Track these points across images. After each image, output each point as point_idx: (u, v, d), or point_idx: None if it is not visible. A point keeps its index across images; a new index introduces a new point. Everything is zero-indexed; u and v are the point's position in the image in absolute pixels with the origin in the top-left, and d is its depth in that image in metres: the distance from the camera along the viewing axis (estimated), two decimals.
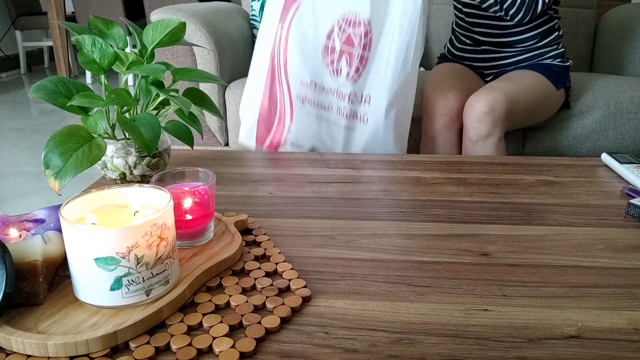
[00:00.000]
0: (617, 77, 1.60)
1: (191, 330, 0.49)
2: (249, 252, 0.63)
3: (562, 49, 1.42)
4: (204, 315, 0.51)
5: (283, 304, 0.52)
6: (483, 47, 1.46)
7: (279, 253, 0.63)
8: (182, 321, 0.50)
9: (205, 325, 0.50)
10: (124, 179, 0.81)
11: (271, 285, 0.56)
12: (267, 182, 0.86)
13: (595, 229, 0.70)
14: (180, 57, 1.57)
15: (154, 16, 1.52)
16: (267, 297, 0.54)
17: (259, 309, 0.52)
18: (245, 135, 1.28)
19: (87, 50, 0.73)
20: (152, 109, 0.81)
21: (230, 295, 0.54)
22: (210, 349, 0.47)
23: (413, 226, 0.71)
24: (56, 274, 0.53)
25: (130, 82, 3.53)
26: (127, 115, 0.80)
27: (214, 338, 0.48)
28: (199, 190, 0.62)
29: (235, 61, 1.68)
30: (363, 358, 0.46)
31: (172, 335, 0.48)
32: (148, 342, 0.47)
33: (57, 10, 3.69)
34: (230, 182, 0.87)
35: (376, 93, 1.17)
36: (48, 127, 2.77)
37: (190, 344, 0.47)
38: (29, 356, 0.46)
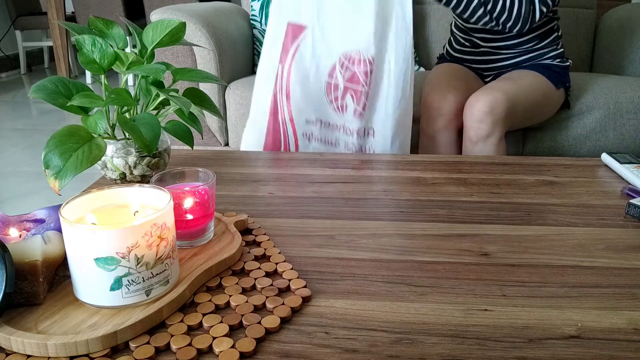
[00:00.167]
0: (617, 77, 1.60)
1: (191, 330, 0.49)
2: (249, 252, 0.63)
3: (562, 49, 1.42)
4: (204, 315, 0.51)
5: (283, 304, 0.52)
6: (482, 50, 1.46)
7: (279, 253, 0.63)
8: (182, 321, 0.50)
9: (205, 325, 0.50)
10: (124, 179, 0.81)
11: (271, 285, 0.56)
12: (267, 182, 0.86)
13: (595, 229, 0.70)
14: (180, 57, 1.57)
15: (154, 16, 1.52)
16: (267, 297, 0.53)
17: (259, 309, 0.52)
18: None
19: (87, 50, 0.73)
20: (152, 109, 0.81)
21: (230, 295, 0.54)
22: (210, 349, 0.47)
23: (413, 226, 0.71)
24: (56, 274, 0.53)
25: (130, 82, 3.53)
26: (127, 115, 0.80)
27: (214, 338, 0.48)
28: (199, 190, 0.62)
29: (235, 61, 1.68)
30: (363, 358, 0.46)
31: (172, 335, 0.48)
32: (148, 342, 0.47)
33: (57, 10, 3.69)
34: (230, 182, 0.87)
35: (379, 126, 1.20)
36: (48, 127, 2.78)
37: (190, 344, 0.47)
38: (29, 356, 0.46)
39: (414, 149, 1.43)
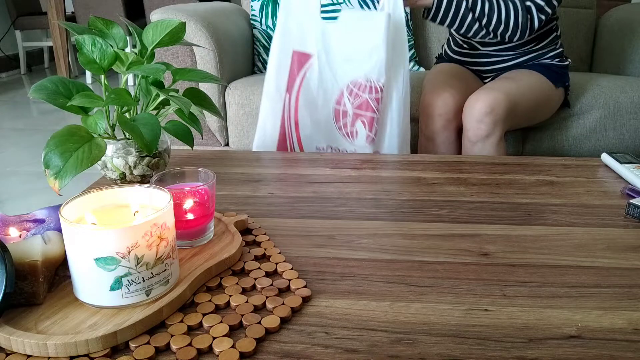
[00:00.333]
0: (617, 77, 1.60)
1: (191, 330, 0.49)
2: (249, 252, 0.63)
3: (561, 49, 1.42)
4: (204, 315, 0.51)
5: (283, 304, 0.52)
6: (481, 52, 1.46)
7: (279, 253, 0.63)
8: (182, 321, 0.50)
9: (205, 325, 0.50)
10: (124, 179, 0.81)
11: (271, 285, 0.56)
12: (267, 182, 0.86)
13: (595, 229, 0.70)
14: (180, 57, 1.57)
15: (154, 16, 1.52)
16: (267, 297, 0.53)
17: (259, 309, 0.52)
18: None
19: (87, 50, 0.73)
20: (152, 109, 0.81)
21: (230, 295, 0.54)
22: (210, 349, 0.47)
23: (413, 226, 0.71)
24: (56, 274, 0.53)
25: (130, 82, 3.53)
26: (127, 115, 0.80)
27: (214, 338, 0.48)
28: (199, 190, 0.62)
29: (235, 61, 1.68)
30: (363, 358, 0.46)
31: (172, 335, 0.48)
32: (148, 342, 0.47)
33: (57, 10, 3.69)
34: (230, 182, 0.87)
35: (385, 146, 1.23)
36: (48, 127, 2.77)
37: (190, 344, 0.47)
38: (29, 356, 0.46)
39: (414, 149, 1.43)
